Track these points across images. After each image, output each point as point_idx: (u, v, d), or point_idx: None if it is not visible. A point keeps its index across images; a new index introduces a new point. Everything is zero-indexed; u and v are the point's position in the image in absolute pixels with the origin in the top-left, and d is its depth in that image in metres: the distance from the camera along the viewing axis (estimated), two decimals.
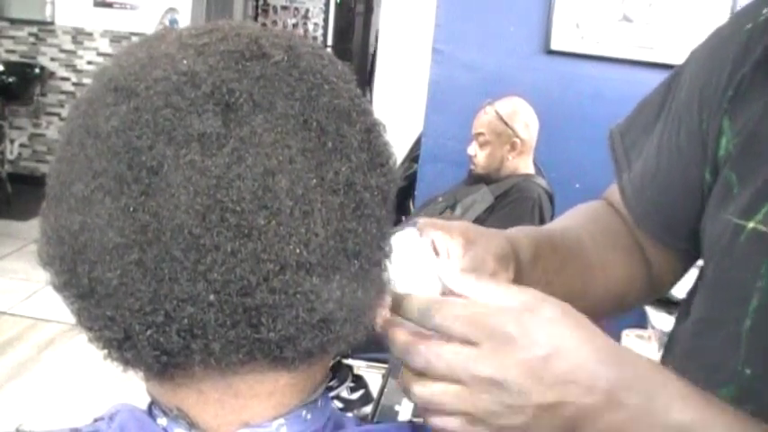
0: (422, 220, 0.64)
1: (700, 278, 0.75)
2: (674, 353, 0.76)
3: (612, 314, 0.84)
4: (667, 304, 2.17)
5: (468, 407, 0.49)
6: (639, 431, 0.50)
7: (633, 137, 0.82)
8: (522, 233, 0.75)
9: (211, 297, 0.43)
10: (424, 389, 0.50)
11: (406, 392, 0.51)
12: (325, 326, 0.46)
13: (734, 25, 0.72)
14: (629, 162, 0.82)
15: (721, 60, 0.71)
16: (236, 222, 0.42)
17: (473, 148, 2.49)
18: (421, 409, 0.51)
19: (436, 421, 0.50)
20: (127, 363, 0.47)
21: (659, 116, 0.79)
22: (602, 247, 0.80)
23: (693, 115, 0.73)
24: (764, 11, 0.69)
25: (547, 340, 0.48)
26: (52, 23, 5.51)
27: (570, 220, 0.86)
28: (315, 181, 0.44)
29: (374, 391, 2.48)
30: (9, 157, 5.41)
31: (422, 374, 0.50)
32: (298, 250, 0.43)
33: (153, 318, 0.43)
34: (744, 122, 0.67)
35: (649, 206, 0.79)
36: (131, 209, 0.42)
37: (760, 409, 0.58)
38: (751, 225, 0.64)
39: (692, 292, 0.76)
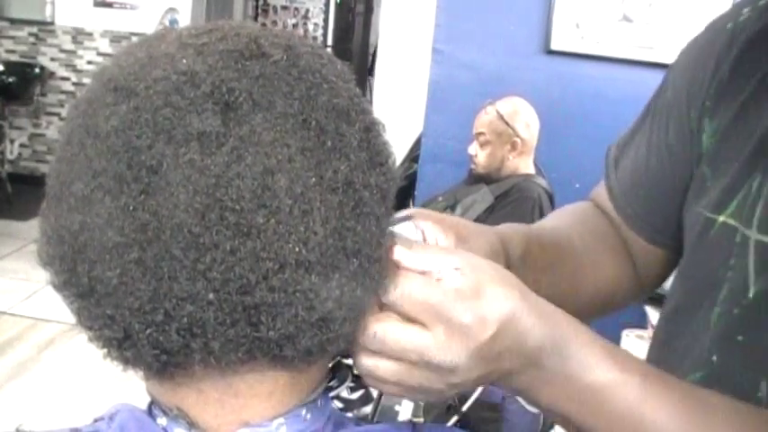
0: (415, 211, 0.65)
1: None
2: (653, 341, 0.79)
3: (601, 314, 0.86)
4: None
5: (413, 383, 0.50)
6: (552, 390, 0.53)
7: (624, 140, 0.84)
8: (512, 230, 0.76)
9: (211, 296, 0.43)
10: (373, 363, 0.50)
11: (354, 361, 0.52)
12: (325, 324, 0.46)
13: (719, 23, 0.74)
14: (616, 163, 0.84)
15: (707, 58, 0.73)
16: (236, 221, 0.42)
17: (474, 148, 2.49)
18: (363, 375, 0.52)
19: (378, 387, 0.52)
20: (126, 362, 0.47)
21: (646, 116, 0.81)
22: (592, 248, 0.82)
23: (682, 113, 0.75)
24: (745, 10, 0.71)
25: (495, 321, 0.49)
26: (52, 23, 5.52)
27: (559, 220, 0.87)
28: (314, 180, 0.44)
29: (374, 392, 2.48)
30: (9, 157, 5.41)
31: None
32: (297, 249, 0.43)
33: (152, 317, 0.43)
34: (720, 120, 0.70)
35: (639, 205, 0.81)
36: (131, 208, 0.42)
37: (724, 392, 0.61)
38: (721, 219, 0.67)
39: None
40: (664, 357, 0.73)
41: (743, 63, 0.69)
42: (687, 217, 0.73)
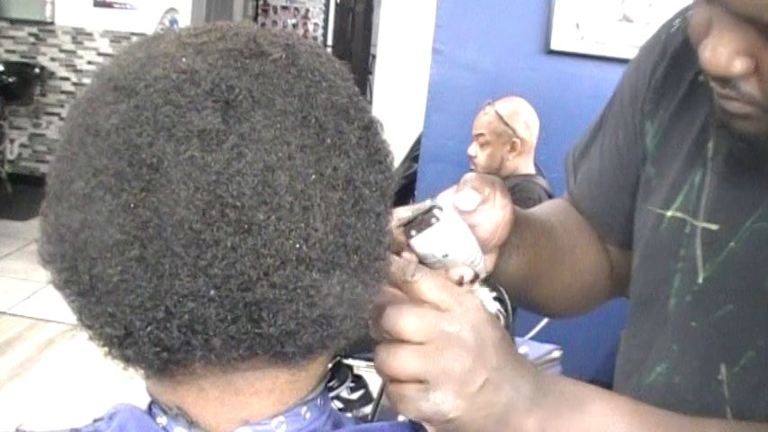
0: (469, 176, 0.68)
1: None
2: (623, 339, 0.82)
3: (579, 306, 0.89)
4: None
5: (434, 368, 0.54)
6: (560, 425, 0.57)
7: (580, 151, 0.90)
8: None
9: (212, 292, 0.43)
10: (388, 351, 0.54)
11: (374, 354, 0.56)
12: (326, 321, 0.46)
13: (657, 35, 0.81)
14: (575, 170, 0.89)
15: (645, 67, 0.80)
16: (237, 218, 0.42)
17: (473, 149, 2.49)
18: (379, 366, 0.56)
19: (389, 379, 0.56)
20: (127, 360, 0.47)
21: (602, 124, 0.86)
22: (573, 235, 0.85)
23: (627, 117, 0.80)
24: (676, 22, 0.78)
25: (495, 362, 0.54)
26: (52, 23, 5.52)
27: (543, 210, 0.91)
28: (314, 177, 0.44)
29: (374, 391, 2.48)
30: (9, 157, 5.41)
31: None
32: (298, 245, 0.43)
33: (153, 314, 0.43)
34: (660, 122, 0.75)
35: (595, 204, 0.86)
36: (132, 205, 0.42)
37: (684, 380, 0.67)
38: (669, 213, 0.72)
39: None
40: (633, 353, 0.77)
41: (675, 67, 0.75)
42: (638, 216, 0.78)
